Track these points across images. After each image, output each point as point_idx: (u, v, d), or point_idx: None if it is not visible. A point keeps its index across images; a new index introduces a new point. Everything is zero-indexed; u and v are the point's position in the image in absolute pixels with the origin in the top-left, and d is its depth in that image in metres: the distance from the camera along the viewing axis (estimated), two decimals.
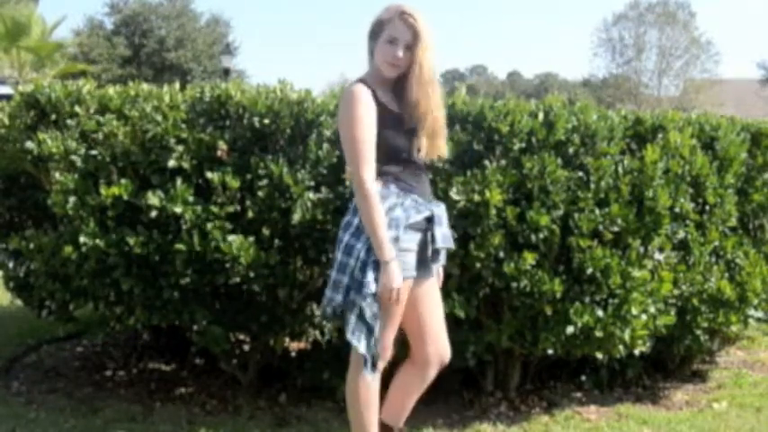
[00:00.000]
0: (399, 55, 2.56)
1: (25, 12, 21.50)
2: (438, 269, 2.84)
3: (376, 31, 2.61)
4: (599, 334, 3.36)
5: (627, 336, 3.42)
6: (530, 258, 3.24)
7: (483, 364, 3.70)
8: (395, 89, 2.65)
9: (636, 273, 3.39)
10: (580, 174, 3.41)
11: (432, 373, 2.79)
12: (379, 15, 2.62)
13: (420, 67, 2.55)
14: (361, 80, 2.62)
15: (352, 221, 2.58)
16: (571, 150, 3.42)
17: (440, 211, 2.69)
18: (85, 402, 3.73)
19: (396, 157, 2.60)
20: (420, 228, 2.61)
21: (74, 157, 3.36)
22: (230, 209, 3.21)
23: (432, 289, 2.75)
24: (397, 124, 2.60)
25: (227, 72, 22.01)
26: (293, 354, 4.01)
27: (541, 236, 3.26)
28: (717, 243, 3.83)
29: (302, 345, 4.04)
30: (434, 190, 3.21)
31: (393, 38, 2.56)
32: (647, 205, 3.47)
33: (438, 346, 2.75)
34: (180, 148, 3.28)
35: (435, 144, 2.66)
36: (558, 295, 3.31)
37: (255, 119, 3.29)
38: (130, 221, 3.26)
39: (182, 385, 3.97)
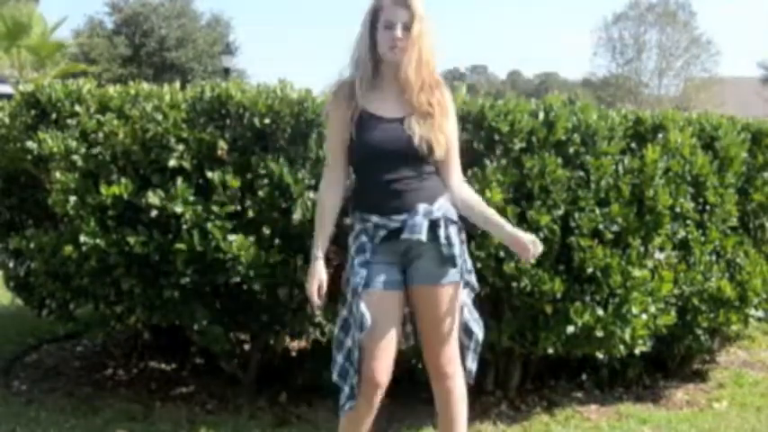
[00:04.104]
0: (398, 35, 2.45)
1: (25, 11, 21.42)
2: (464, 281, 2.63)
3: (372, 21, 2.51)
4: (599, 333, 3.36)
5: (627, 335, 3.42)
6: None
7: (483, 364, 3.69)
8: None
9: (636, 272, 3.39)
10: (580, 173, 3.41)
11: (439, 387, 2.64)
12: (372, 4, 2.52)
13: (419, 50, 2.45)
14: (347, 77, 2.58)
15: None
16: (571, 150, 3.41)
17: (419, 211, 2.49)
18: (86, 402, 3.73)
19: (368, 164, 2.53)
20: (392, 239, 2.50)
21: (74, 157, 3.36)
22: (230, 208, 3.20)
23: (430, 298, 2.56)
24: (379, 125, 2.50)
25: (227, 72, 21.98)
26: (294, 353, 4.01)
27: (542, 235, 3.25)
28: (717, 243, 3.83)
29: (303, 344, 4.04)
30: None
31: (390, 22, 2.46)
32: (648, 205, 3.47)
33: (435, 358, 2.59)
34: (180, 147, 3.28)
35: (428, 132, 2.47)
36: (559, 295, 3.30)
37: (256, 118, 3.28)
38: (131, 221, 3.26)
39: (182, 385, 3.97)
